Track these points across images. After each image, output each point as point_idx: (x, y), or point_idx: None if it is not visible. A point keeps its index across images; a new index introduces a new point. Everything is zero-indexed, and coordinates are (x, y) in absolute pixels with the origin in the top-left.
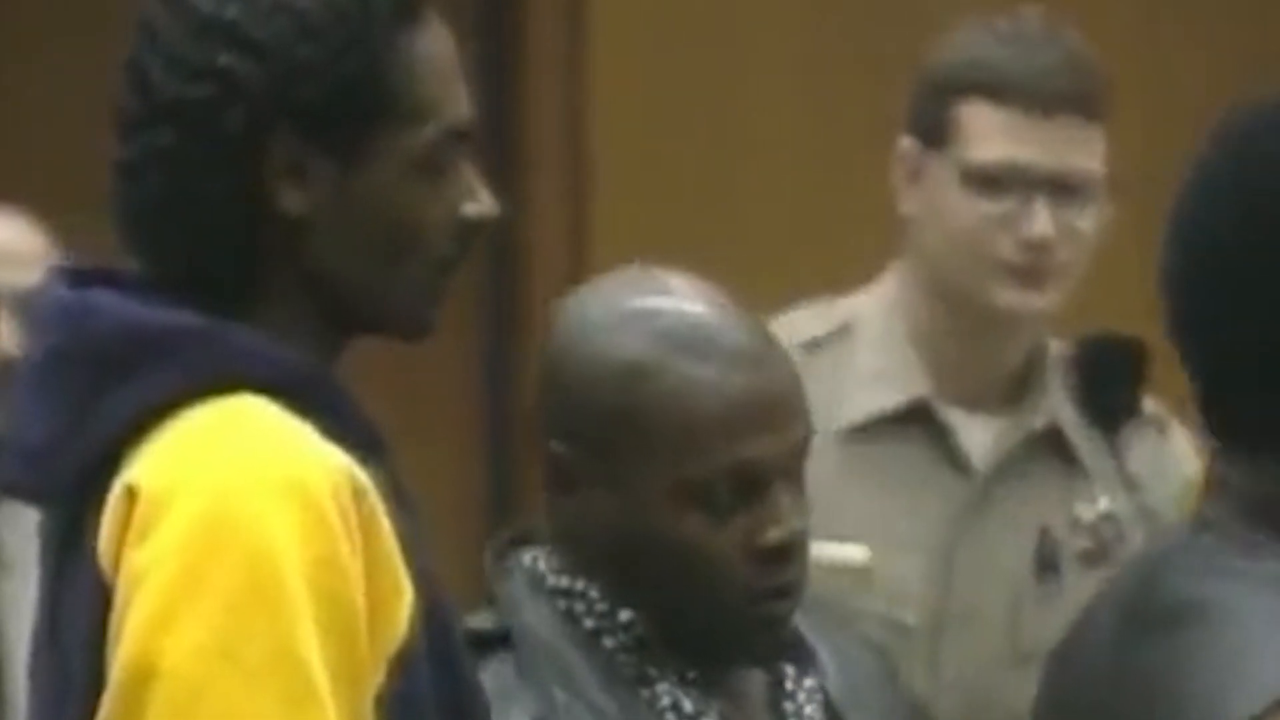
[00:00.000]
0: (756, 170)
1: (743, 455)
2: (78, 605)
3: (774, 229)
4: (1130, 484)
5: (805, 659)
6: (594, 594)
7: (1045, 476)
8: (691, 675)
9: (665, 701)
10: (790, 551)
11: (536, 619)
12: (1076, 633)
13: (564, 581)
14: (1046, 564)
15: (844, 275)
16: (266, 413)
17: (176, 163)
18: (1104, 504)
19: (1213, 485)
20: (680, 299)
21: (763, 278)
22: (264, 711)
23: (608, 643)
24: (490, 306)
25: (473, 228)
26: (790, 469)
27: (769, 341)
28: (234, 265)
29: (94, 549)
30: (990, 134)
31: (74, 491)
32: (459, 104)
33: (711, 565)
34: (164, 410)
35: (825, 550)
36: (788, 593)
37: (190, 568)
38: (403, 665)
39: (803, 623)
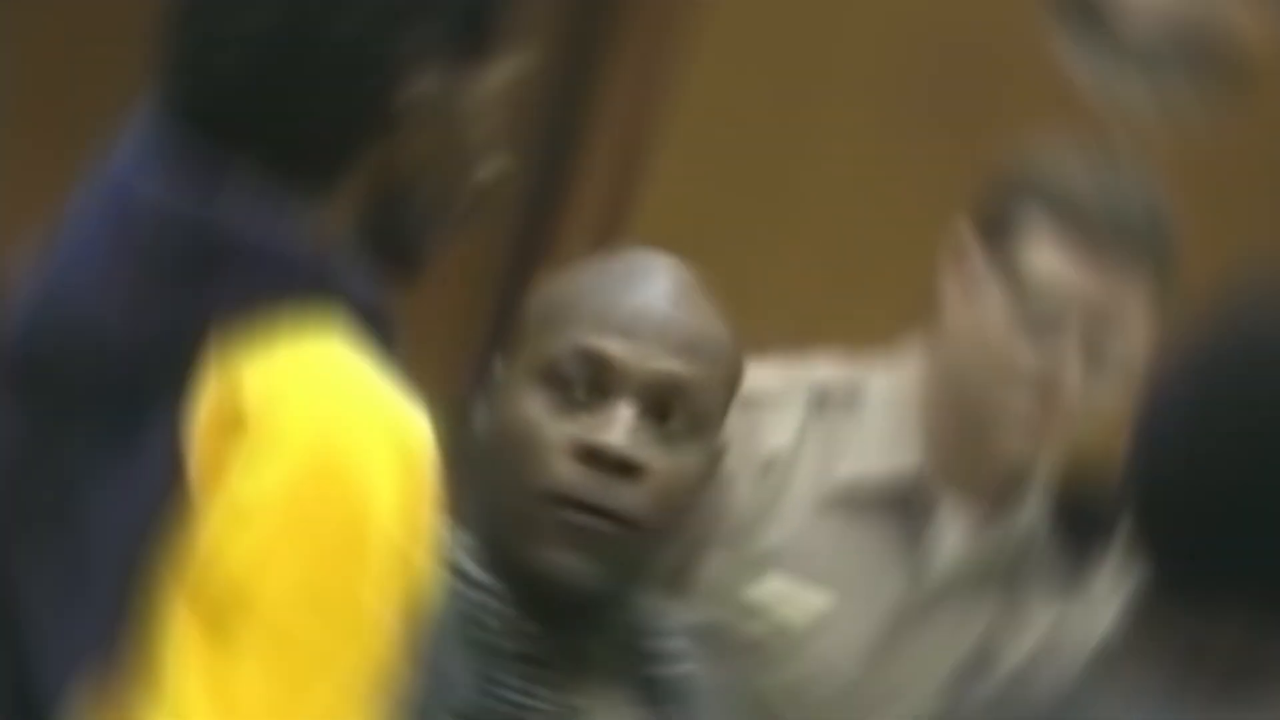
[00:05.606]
0: (814, 201)
1: (592, 343)
2: (126, 484)
3: (823, 263)
4: (1078, 615)
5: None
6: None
7: (999, 588)
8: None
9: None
10: (612, 464)
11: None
12: None
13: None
14: (977, 674)
15: (865, 322)
16: (363, 363)
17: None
18: (1046, 623)
19: (1147, 621)
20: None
21: (795, 303)
22: (347, 662)
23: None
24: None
25: (483, 186)
26: (650, 398)
27: (705, 306)
28: (337, 142)
29: (170, 436)
30: (1047, 251)
31: (143, 370)
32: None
33: (537, 448)
34: (259, 314)
35: (786, 586)
36: (599, 512)
37: (295, 516)
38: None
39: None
